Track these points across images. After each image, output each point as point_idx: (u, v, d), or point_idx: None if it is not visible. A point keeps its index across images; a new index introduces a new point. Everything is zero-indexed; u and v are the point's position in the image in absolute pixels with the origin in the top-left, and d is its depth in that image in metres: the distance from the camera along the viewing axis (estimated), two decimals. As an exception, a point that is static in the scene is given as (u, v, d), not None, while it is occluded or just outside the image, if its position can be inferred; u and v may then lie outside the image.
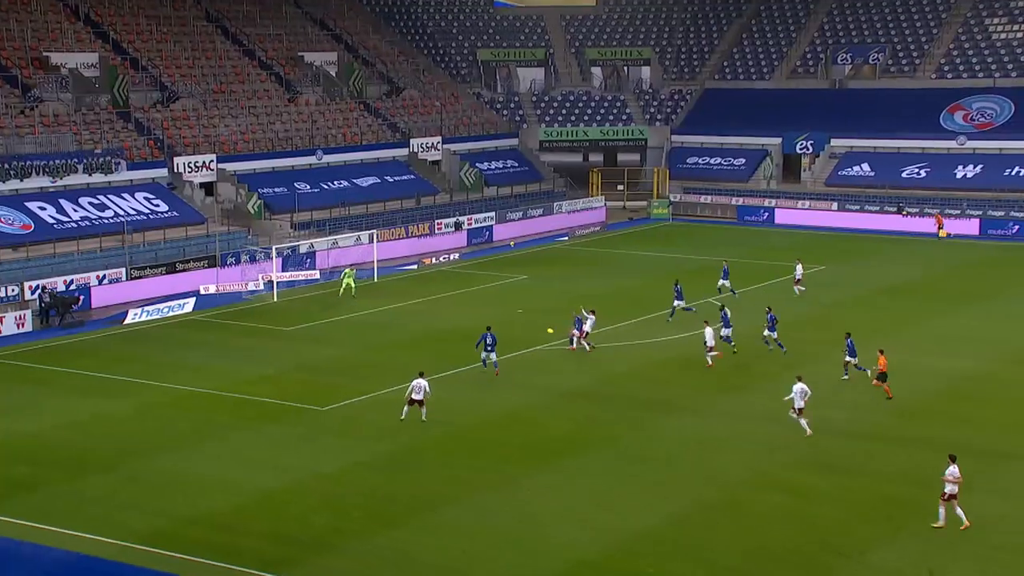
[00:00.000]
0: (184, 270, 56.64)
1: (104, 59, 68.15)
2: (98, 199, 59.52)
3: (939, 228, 72.59)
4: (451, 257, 66.07)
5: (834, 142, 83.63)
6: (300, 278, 57.76)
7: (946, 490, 26.72)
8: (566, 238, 73.85)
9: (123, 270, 54.39)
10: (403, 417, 34.45)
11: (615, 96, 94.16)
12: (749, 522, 27.31)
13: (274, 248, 57.12)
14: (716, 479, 29.97)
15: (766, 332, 43.00)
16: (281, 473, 30.55)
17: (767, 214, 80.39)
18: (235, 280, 56.75)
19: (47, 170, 58.55)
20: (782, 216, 79.37)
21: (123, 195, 60.79)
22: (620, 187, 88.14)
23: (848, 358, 38.82)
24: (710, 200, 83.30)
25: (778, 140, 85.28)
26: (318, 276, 58.55)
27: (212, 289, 55.06)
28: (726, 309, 43.67)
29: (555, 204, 79.30)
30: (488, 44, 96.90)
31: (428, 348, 44.09)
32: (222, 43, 78.59)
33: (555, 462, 31.23)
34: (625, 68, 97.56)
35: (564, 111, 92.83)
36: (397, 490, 29.37)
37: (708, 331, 41.32)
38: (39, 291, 49.83)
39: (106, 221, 58.30)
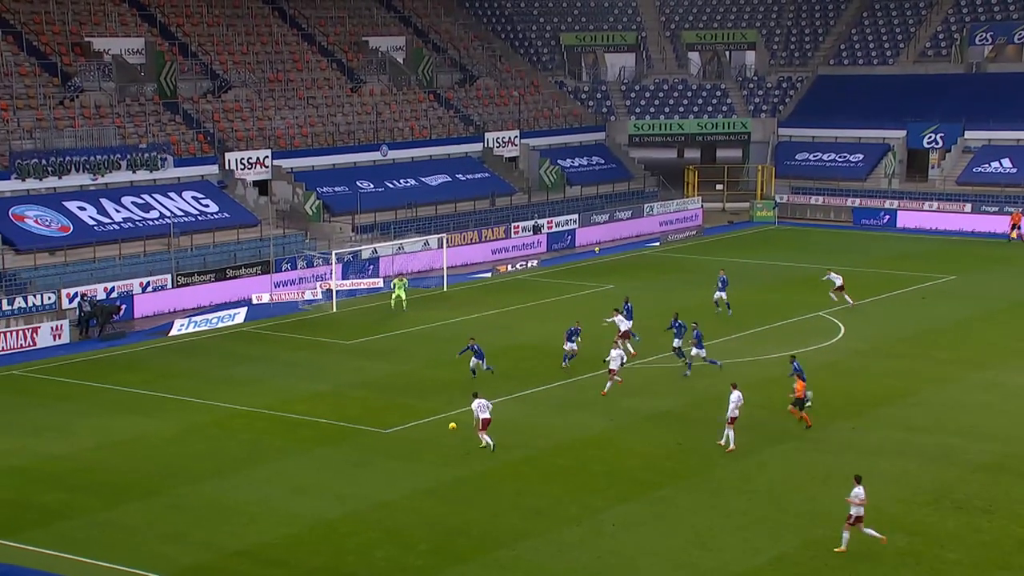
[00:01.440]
0: (235, 277, 57.35)
1: (150, 44, 69.39)
2: (142, 198, 60.55)
3: (1013, 228, 71.50)
4: (529, 264, 66.06)
5: (968, 135, 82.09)
6: (362, 287, 58.16)
7: (851, 512, 27.60)
8: (657, 244, 73.48)
9: (169, 276, 55.23)
10: (485, 445, 34.03)
11: (715, 85, 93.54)
12: (865, 567, 26.80)
13: (334, 253, 57.62)
14: (826, 516, 29.46)
15: (695, 351, 42.48)
16: (339, 502, 30.69)
17: (888, 217, 79.21)
18: (291, 289, 57.33)
19: (87, 167, 59.72)
20: (905, 219, 78.15)
21: (169, 194, 61.77)
22: (719, 186, 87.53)
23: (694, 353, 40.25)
24: (822, 201, 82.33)
25: (902, 133, 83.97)
26: (381, 284, 58.90)
27: (265, 298, 55.66)
28: (698, 329, 42.79)
29: (645, 206, 78.96)
30: (573, 27, 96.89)
31: (501, 365, 44.06)
32: (279, 27, 79.60)
33: (643, 493, 31.00)
34: (727, 53, 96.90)
35: (657, 102, 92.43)
36: (466, 522, 29.34)
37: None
38: (78, 299, 50.78)
39: (151, 223, 59.27)
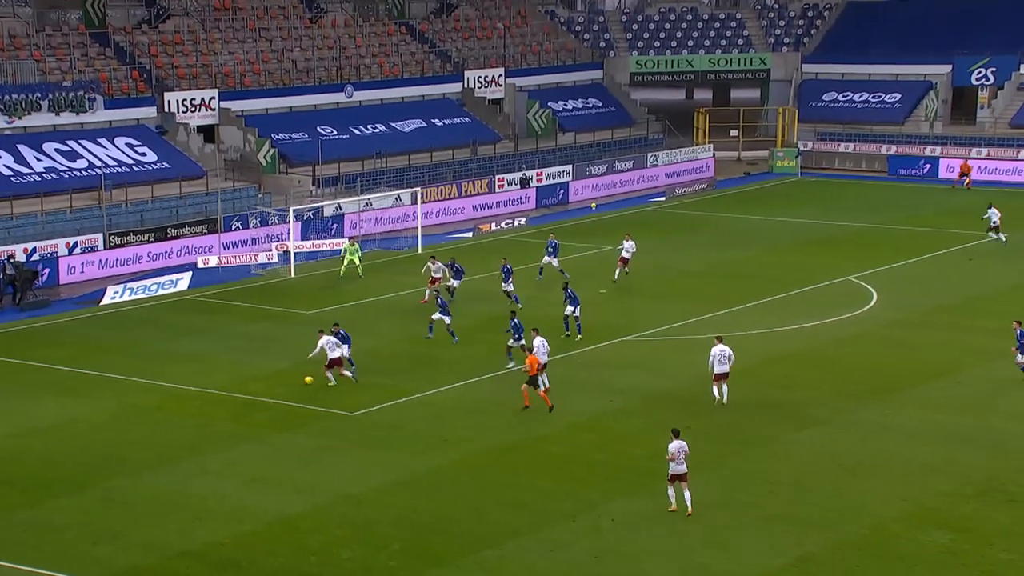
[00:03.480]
0: (177, 237, 57.28)
1: (75, -36, 68.99)
2: (68, 145, 60.33)
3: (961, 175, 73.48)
4: (515, 222, 66.07)
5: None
6: (323, 248, 58.12)
7: (670, 470, 29.28)
8: (663, 198, 73.53)
9: (100, 236, 55.12)
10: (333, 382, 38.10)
11: (729, 14, 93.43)
12: (902, 568, 27.00)
13: (291, 210, 57.55)
14: (858, 511, 29.65)
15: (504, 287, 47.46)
16: (299, 495, 30.75)
17: (929, 166, 79.46)
18: (242, 251, 57.27)
19: (2, 108, 59.42)
20: (949, 168, 78.27)
21: (99, 140, 61.57)
22: (734, 133, 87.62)
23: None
24: (852, 148, 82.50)
25: (946, 68, 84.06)
26: (346, 245, 58.76)
27: (213, 262, 55.58)
28: (570, 288, 43.99)
29: (649, 155, 79.00)
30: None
31: (484, 336, 44.10)
32: (225, -52, 79.21)
33: (645, 485, 31.08)
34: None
35: (663, 34, 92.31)
36: (445, 518, 29.45)
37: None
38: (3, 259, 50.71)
39: (78, 173, 59.08)
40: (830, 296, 49.61)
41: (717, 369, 36.81)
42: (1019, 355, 38.33)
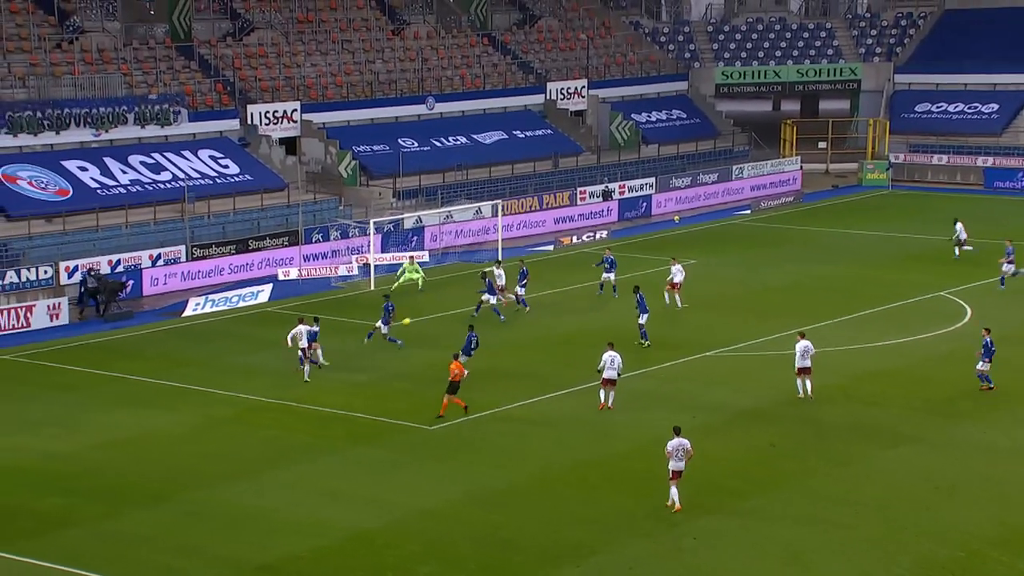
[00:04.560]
0: (259, 249, 57.77)
1: (162, -21, 69.89)
2: (152, 158, 61.08)
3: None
4: (597, 235, 65.96)
5: None
6: (404, 261, 58.28)
7: (670, 467, 30.25)
8: (748, 211, 73.07)
9: (183, 248, 55.73)
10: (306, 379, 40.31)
11: (818, 24, 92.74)
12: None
13: (372, 223, 57.85)
14: (949, 534, 29.23)
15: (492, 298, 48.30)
16: (376, 509, 30.86)
17: (1029, 179, 78.36)
18: (322, 263, 57.65)
19: (89, 120, 60.28)
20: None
21: (183, 153, 62.27)
22: (822, 145, 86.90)
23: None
24: (946, 161, 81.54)
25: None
26: (427, 258, 59.07)
27: (293, 274, 56.02)
28: (641, 293, 45.03)
29: (734, 167, 78.58)
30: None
31: (563, 352, 44.09)
32: (309, -40, 79.93)
33: (728, 504, 30.88)
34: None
35: (749, 45, 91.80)
36: (522, 535, 29.39)
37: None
38: (78, 274, 51.35)
39: (162, 186, 59.79)
40: (922, 312, 49.04)
41: (799, 364, 38.38)
42: (981, 362, 39.06)
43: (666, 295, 49.70)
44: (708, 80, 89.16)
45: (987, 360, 39.14)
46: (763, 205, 74.20)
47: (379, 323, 44.88)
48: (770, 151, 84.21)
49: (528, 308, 49.42)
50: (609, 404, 37.79)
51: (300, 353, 41.06)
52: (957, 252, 57.88)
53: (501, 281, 49.64)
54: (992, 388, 39.07)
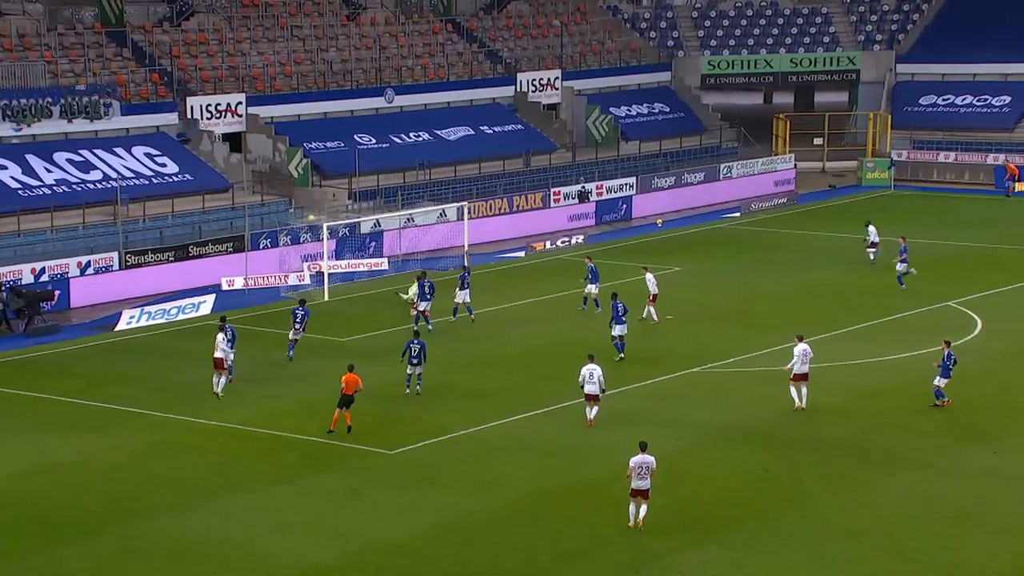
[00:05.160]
0: (200, 256, 57.64)
1: (91, -43, 69.69)
2: (80, 155, 60.90)
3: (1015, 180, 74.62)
4: (572, 240, 66.08)
5: None
6: (360, 269, 58.36)
7: (632, 485, 30.76)
8: (737, 214, 73.31)
9: (115, 255, 55.58)
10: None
11: (813, 9, 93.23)
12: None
13: (325, 227, 57.81)
14: (962, 568, 29.37)
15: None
16: (333, 542, 30.82)
17: (1042, 178, 78.89)
18: (271, 271, 57.55)
19: (9, 113, 60.08)
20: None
21: (116, 150, 62.12)
22: (818, 141, 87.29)
23: None
24: (953, 158, 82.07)
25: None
26: (386, 266, 59.06)
27: (239, 283, 55.90)
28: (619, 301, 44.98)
29: (722, 166, 78.86)
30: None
31: (536, 367, 44.19)
32: (254, -62, 79.93)
33: (719, 534, 30.96)
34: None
35: (738, 32, 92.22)
36: (495, 568, 29.43)
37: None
38: None
39: (92, 186, 59.62)
40: (928, 323, 49.25)
41: (798, 369, 38.94)
42: (940, 378, 39.42)
43: (645, 309, 49.78)
44: (693, 70, 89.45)
45: (945, 377, 39.33)
46: (754, 207, 74.46)
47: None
48: (761, 148, 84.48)
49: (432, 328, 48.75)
50: (589, 419, 38.05)
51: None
52: (872, 257, 58.71)
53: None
54: (947, 404, 39.28)
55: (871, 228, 59.37)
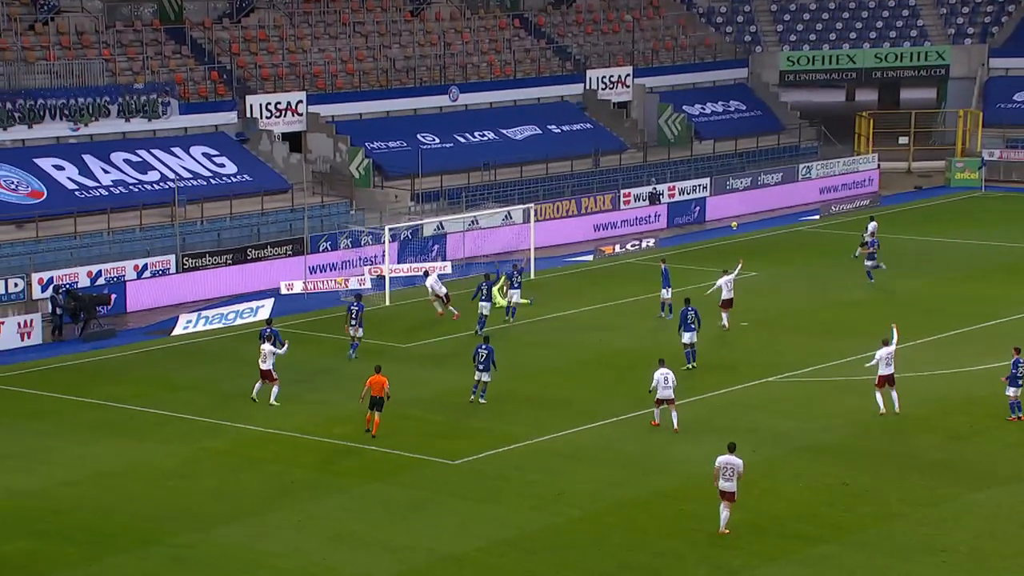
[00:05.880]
0: (258, 259, 57.92)
1: (148, -47, 70.28)
2: (138, 155, 61.36)
3: None
4: (643, 244, 65.90)
5: None
6: (422, 272, 58.33)
7: (719, 486, 31.02)
8: (817, 216, 72.87)
9: (172, 258, 55.94)
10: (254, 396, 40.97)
11: (899, 2, 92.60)
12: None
13: (387, 229, 57.93)
14: (1048, 584, 29.05)
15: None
16: (392, 555, 30.83)
17: None
18: (331, 275, 57.73)
19: (66, 113, 60.64)
20: None
21: (174, 150, 62.55)
22: (903, 140, 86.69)
23: None
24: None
25: None
26: (449, 270, 59.08)
27: (297, 287, 56.10)
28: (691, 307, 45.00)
29: (801, 166, 78.48)
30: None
31: (603, 376, 44.13)
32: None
33: (796, 551, 30.76)
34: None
35: (819, 26, 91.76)
36: (559, 585, 29.36)
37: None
38: (53, 287, 51.55)
39: (149, 187, 60.05)
40: (1020, 332, 48.70)
41: (882, 371, 39.44)
42: (1009, 388, 39.14)
43: (724, 315, 49.51)
44: (771, 67, 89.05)
45: (1017, 386, 39.04)
46: (834, 209, 73.98)
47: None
48: (843, 147, 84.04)
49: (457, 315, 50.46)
50: (674, 426, 38.21)
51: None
52: (858, 252, 58.60)
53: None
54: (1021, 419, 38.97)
55: (871, 225, 59.83)
